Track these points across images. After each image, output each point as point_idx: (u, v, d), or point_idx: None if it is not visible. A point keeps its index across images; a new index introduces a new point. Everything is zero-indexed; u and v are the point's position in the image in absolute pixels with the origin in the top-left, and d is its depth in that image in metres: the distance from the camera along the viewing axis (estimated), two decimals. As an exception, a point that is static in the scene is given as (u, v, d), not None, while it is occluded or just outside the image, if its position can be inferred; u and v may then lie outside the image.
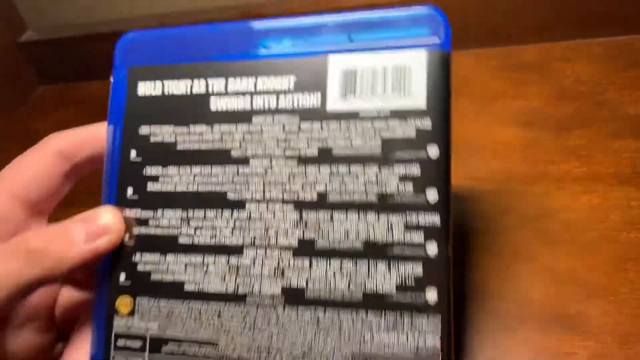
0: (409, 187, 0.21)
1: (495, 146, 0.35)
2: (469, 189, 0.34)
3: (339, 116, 0.22)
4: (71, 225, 0.22)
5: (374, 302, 0.21)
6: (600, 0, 0.37)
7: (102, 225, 0.22)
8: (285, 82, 0.23)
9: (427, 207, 0.21)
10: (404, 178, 0.21)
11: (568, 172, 0.33)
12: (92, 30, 0.48)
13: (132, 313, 0.23)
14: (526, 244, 0.31)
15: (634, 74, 0.36)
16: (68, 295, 0.26)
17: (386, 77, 0.22)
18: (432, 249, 0.20)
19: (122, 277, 0.23)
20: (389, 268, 0.21)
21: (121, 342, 0.23)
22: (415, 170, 0.21)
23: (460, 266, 0.30)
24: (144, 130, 0.24)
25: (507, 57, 0.40)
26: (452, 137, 0.21)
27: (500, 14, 0.38)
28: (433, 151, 0.21)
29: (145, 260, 0.23)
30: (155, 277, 0.23)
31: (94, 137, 0.24)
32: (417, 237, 0.20)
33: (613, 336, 0.27)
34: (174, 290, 0.23)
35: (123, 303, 0.23)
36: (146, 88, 0.24)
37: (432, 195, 0.21)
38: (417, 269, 0.20)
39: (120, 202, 0.24)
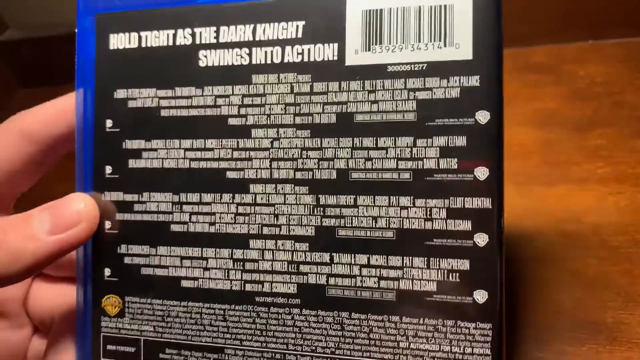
0: (453, 162, 0.17)
1: (512, 147, 0.33)
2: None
3: (362, 73, 0.17)
4: (34, 214, 0.18)
5: (409, 303, 0.17)
6: (611, 2, 0.35)
7: (71, 213, 0.18)
8: (292, 29, 0.18)
9: (475, 188, 0.16)
10: (446, 151, 0.17)
11: (591, 172, 0.31)
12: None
13: (121, 314, 0.20)
14: (551, 248, 0.28)
15: (651, 75, 0.35)
16: (41, 286, 0.23)
17: (421, 20, 0.17)
18: (482, 240, 0.16)
19: (107, 272, 0.20)
20: (428, 263, 0.17)
21: (112, 347, 0.20)
22: (460, 140, 0.17)
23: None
24: (120, 93, 0.19)
25: (518, 59, 0.38)
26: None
27: (509, 15, 0.35)
28: (482, 116, 0.16)
29: (133, 252, 0.19)
30: (145, 272, 0.19)
31: (64, 112, 0.20)
32: (463, 225, 0.17)
33: (659, 346, 0.24)
34: (169, 288, 0.19)
35: (110, 303, 0.20)
36: (119, 40, 0.19)
37: (481, 172, 0.16)
38: (463, 265, 0.17)
39: (98, 183, 0.20)
